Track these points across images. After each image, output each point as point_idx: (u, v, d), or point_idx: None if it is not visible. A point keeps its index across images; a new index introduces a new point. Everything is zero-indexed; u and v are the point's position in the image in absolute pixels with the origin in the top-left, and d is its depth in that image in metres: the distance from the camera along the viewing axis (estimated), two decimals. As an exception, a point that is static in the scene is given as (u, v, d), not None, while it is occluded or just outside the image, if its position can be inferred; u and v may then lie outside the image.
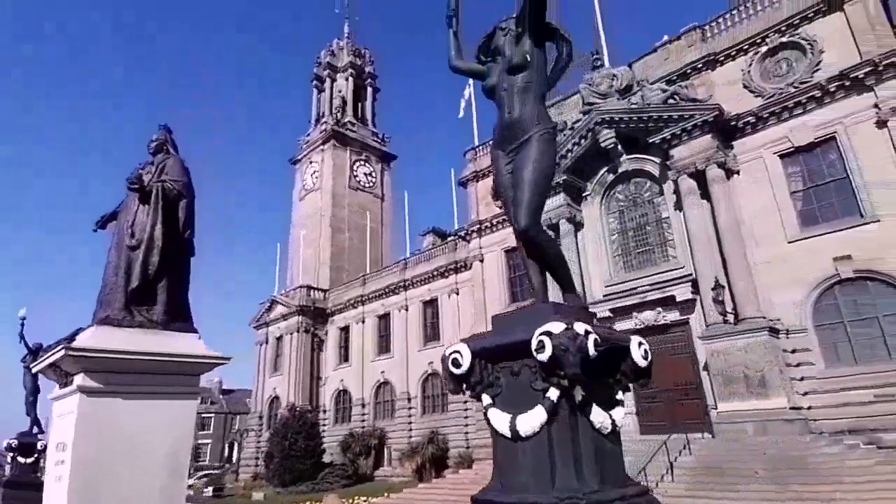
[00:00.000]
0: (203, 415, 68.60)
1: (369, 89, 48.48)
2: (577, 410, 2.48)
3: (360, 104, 47.87)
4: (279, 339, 36.99)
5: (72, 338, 5.55)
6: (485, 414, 2.72)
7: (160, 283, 5.79)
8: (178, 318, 5.90)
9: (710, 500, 11.56)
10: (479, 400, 2.75)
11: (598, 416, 2.54)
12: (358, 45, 49.18)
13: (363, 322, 33.87)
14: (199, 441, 67.37)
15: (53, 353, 5.28)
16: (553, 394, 2.41)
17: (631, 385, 2.89)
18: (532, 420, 2.43)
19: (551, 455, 2.43)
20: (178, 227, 6.06)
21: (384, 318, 32.86)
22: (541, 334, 2.39)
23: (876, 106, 15.29)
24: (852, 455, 12.25)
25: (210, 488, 33.41)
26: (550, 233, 20.92)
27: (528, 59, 3.30)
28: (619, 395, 2.78)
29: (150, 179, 6.05)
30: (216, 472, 47.11)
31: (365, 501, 19.80)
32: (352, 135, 44.58)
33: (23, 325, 11.92)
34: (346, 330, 35.28)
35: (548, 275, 3.20)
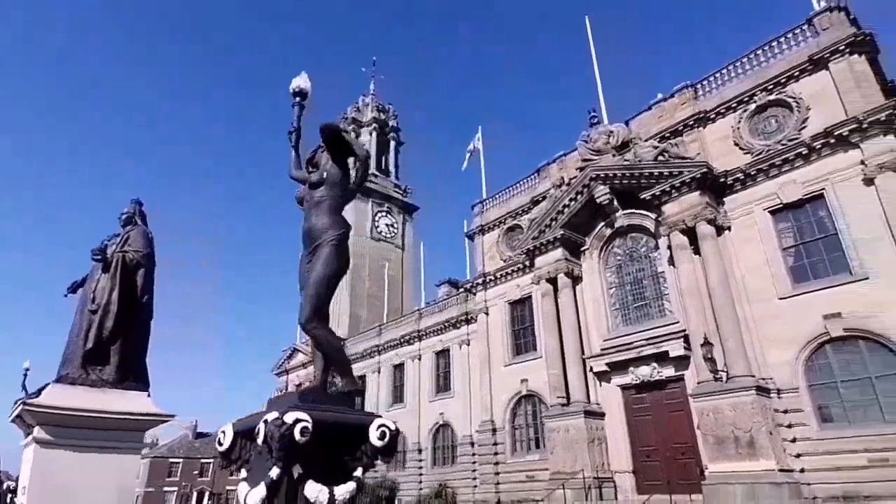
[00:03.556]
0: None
1: (392, 143, 50.69)
2: (295, 486, 2.94)
3: (383, 157, 50.01)
4: (298, 386, 37.65)
5: (38, 392, 6.29)
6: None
7: (114, 344, 6.43)
8: (129, 377, 6.51)
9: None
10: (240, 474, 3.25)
11: (312, 491, 2.96)
12: (382, 102, 51.82)
13: (378, 372, 34.29)
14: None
15: (17, 408, 6.01)
16: (274, 472, 2.87)
17: (375, 462, 3.33)
18: (255, 495, 2.91)
19: None
20: (136, 294, 6.79)
21: (398, 368, 33.20)
22: (262, 421, 2.92)
23: (862, 163, 15.32)
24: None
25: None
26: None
27: (325, 176, 3.95)
28: (358, 472, 3.23)
29: (113, 250, 6.82)
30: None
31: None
32: (374, 187, 46.41)
33: (25, 375, 13.07)
34: (362, 379, 35.63)
35: None
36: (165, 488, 63.81)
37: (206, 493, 62.67)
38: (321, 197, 3.89)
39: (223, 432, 3.29)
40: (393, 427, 3.32)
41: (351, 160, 4.09)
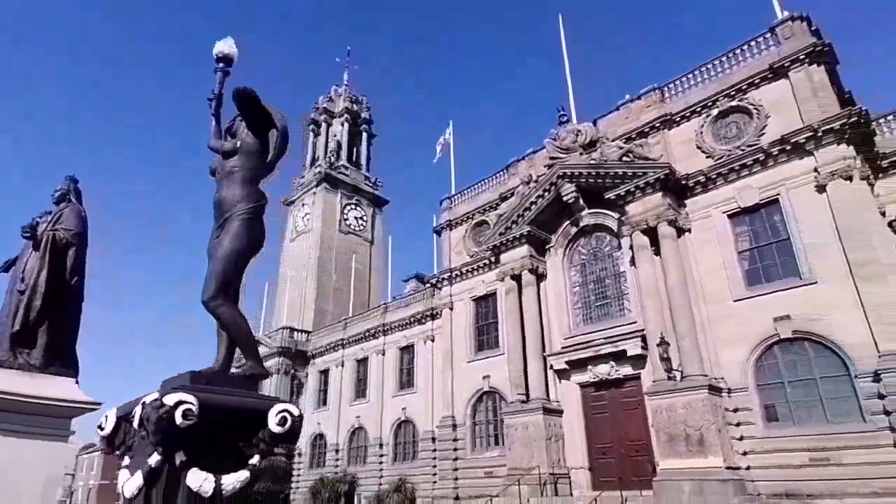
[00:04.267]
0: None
1: (364, 134, 50.07)
2: (177, 474, 2.69)
3: (354, 149, 49.39)
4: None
5: None
6: None
7: (41, 327, 6.15)
8: (56, 361, 6.23)
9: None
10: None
11: (195, 479, 2.71)
12: (355, 93, 51.13)
13: (342, 366, 33.89)
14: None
15: None
16: (153, 459, 2.62)
17: (274, 449, 3.11)
18: (132, 484, 2.68)
19: None
20: (66, 274, 6.48)
21: (362, 363, 32.88)
22: (140, 404, 2.68)
23: (815, 171, 15.76)
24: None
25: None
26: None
27: (238, 145, 3.68)
28: (254, 460, 2.99)
29: (44, 228, 6.50)
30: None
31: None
32: (344, 178, 45.79)
33: None
34: (325, 373, 35.26)
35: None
36: (120, 482, 62.06)
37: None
38: (233, 167, 3.64)
39: (106, 416, 3.05)
40: (296, 413, 3.08)
41: (273, 132, 3.81)
